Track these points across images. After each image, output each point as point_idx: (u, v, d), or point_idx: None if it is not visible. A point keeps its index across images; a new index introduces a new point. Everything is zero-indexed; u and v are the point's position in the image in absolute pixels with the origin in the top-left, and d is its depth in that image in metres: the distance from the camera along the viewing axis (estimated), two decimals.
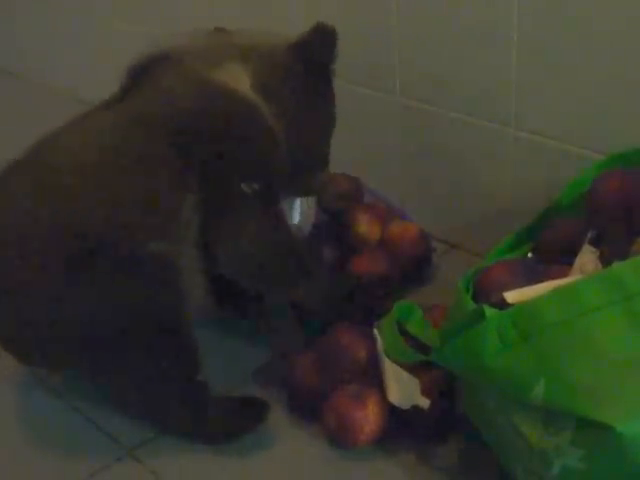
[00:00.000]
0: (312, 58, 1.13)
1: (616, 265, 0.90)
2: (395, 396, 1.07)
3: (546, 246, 1.09)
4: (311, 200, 1.27)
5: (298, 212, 1.23)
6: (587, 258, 0.98)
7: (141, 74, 1.12)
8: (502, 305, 0.91)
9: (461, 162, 1.42)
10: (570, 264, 0.99)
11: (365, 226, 1.38)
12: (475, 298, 0.96)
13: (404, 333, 1.08)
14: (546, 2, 1.20)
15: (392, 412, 1.08)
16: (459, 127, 1.39)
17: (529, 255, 1.10)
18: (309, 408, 1.14)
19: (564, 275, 0.96)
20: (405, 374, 1.06)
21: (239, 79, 1.10)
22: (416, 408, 1.06)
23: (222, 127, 1.08)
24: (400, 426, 1.10)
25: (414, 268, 1.39)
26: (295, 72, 1.13)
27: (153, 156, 1.07)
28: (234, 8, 1.69)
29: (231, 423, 1.15)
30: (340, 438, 1.10)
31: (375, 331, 1.11)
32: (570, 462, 0.85)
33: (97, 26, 2.13)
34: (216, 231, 1.10)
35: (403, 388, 1.06)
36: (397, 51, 1.41)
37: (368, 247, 1.37)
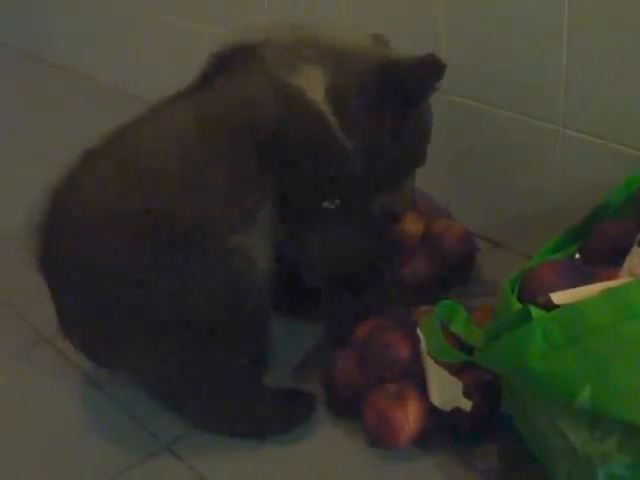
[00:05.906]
0: (407, 87, 1.14)
1: None
2: (437, 398, 1.06)
3: (594, 247, 1.08)
4: None
5: None
6: (637, 260, 0.96)
7: (224, 63, 1.15)
8: (548, 306, 0.89)
9: (508, 160, 1.41)
10: (619, 266, 0.97)
11: (408, 223, 1.37)
12: (520, 299, 0.95)
13: (447, 333, 1.07)
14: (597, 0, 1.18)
15: (433, 412, 1.07)
16: (507, 125, 1.37)
17: (576, 256, 1.09)
18: (348, 406, 1.14)
19: (612, 277, 0.94)
20: (447, 375, 1.05)
21: (315, 87, 1.11)
22: (458, 410, 1.05)
23: (297, 140, 1.10)
24: (441, 426, 1.09)
25: (458, 267, 1.38)
26: (376, 91, 1.13)
27: (233, 155, 1.09)
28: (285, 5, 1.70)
29: (280, 416, 1.15)
30: (380, 437, 1.09)
31: (418, 331, 1.10)
32: (616, 469, 0.84)
33: (144, 19, 2.14)
34: (299, 238, 1.14)
35: (445, 390, 1.05)
36: (445, 48, 1.40)
37: (411, 244, 1.36)
